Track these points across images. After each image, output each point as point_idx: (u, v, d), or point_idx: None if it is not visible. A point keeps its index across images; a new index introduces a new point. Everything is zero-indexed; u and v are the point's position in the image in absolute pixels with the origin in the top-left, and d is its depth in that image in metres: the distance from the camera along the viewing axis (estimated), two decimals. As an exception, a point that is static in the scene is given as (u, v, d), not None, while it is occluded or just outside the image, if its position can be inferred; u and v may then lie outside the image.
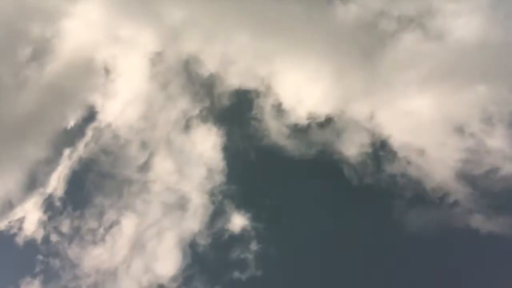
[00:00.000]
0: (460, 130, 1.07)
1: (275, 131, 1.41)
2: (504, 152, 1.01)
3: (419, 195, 1.05)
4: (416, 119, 1.18)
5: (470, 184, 0.98)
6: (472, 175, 0.98)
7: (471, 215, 0.93)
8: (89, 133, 1.75)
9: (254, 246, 1.05)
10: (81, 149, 1.75)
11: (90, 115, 1.65)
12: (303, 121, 1.34)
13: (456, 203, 0.94)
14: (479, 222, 0.93)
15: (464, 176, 1.00)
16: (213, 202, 1.42)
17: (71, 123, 1.80)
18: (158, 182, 1.54)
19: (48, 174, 2.08)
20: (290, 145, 1.31)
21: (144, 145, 1.59)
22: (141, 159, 1.41)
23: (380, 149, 1.10)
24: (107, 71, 1.75)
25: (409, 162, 1.03)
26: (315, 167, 1.29)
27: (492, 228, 0.91)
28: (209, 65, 1.70)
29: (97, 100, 1.83)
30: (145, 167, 1.53)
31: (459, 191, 0.97)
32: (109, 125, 1.59)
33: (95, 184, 1.49)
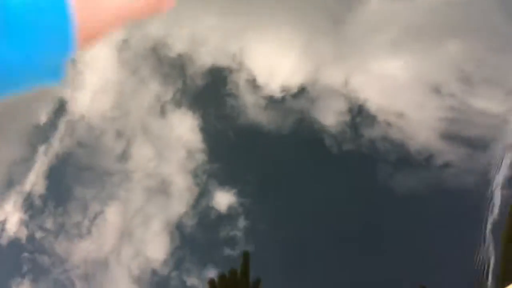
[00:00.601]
0: (437, 90, 1.03)
1: (251, 106, 1.39)
2: (492, 112, 0.98)
3: (404, 158, 1.01)
4: (392, 81, 1.14)
5: (461, 144, 0.95)
6: (461, 135, 0.95)
7: (465, 175, 0.91)
8: (62, 127, 1.70)
9: (242, 222, 1.02)
10: (56, 144, 1.71)
11: (61, 109, 1.59)
12: (277, 93, 1.31)
13: (447, 164, 0.91)
14: (473, 181, 0.90)
15: (452, 137, 0.96)
16: (196, 183, 1.40)
17: (42, 118, 1.75)
18: (138, 169, 1.52)
19: (25, 172, 2.04)
20: (267, 119, 1.28)
21: (120, 134, 1.55)
22: (119, 148, 1.36)
23: (358, 115, 1.06)
24: (73, 61, 1.69)
25: (389, 125, 0.99)
26: (294, 138, 1.26)
27: (488, 188, 0.90)
28: (177, 47, 1.65)
29: (66, 92, 1.78)
30: (124, 156, 1.50)
31: (450, 152, 0.94)
32: (82, 117, 1.53)
33: (75, 178, 1.46)
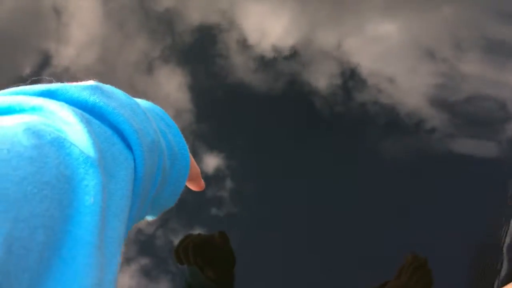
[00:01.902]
0: (430, 55, 1.01)
1: (241, 67, 1.36)
2: (481, 78, 0.96)
3: (393, 122, 1.00)
4: (384, 45, 1.12)
5: (447, 110, 0.94)
6: (449, 101, 0.94)
7: (451, 141, 0.90)
8: (46, 81, 1.68)
9: (229, 184, 1.01)
10: None
11: (45, 61, 1.55)
12: (268, 54, 1.28)
13: (433, 129, 0.91)
14: (459, 147, 0.90)
15: (440, 102, 0.95)
16: None
17: (26, 70, 1.72)
18: None
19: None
20: (257, 80, 1.26)
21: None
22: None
23: (350, 78, 1.04)
24: (57, 13, 1.62)
25: (379, 90, 0.98)
26: (284, 100, 1.24)
27: (473, 152, 0.89)
28: (165, 1, 1.60)
29: (50, 45, 1.73)
30: None
31: (436, 118, 0.93)
32: (66, 70, 1.49)
33: None
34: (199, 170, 0.42)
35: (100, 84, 0.28)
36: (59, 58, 1.12)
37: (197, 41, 0.97)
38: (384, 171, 0.73)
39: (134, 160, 0.25)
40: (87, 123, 0.23)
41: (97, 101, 0.25)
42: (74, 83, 0.26)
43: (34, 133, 0.20)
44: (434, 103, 0.76)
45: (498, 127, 0.74)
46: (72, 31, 1.13)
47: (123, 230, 0.23)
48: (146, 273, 0.76)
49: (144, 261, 0.78)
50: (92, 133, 0.22)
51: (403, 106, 0.76)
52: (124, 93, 0.30)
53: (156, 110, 0.34)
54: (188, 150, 0.37)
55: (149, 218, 0.35)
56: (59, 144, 0.20)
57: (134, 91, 0.99)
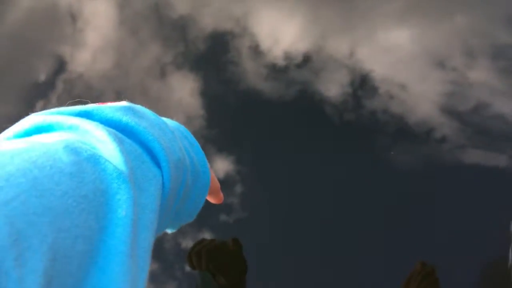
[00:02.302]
0: (441, 64, 1.00)
1: (253, 73, 1.36)
2: (489, 87, 0.95)
3: (403, 130, 0.99)
4: (396, 53, 1.11)
5: (457, 119, 0.93)
6: (458, 110, 0.92)
7: (461, 151, 0.89)
8: (61, 85, 1.69)
9: (239, 189, 1.01)
10: (54, 101, 1.70)
11: (60, 67, 1.56)
12: (280, 61, 1.28)
13: (443, 138, 0.90)
14: (469, 157, 0.88)
15: (450, 111, 0.94)
16: None
17: (41, 76, 1.73)
18: None
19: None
20: (268, 87, 1.26)
21: (118, 94, 1.54)
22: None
23: (361, 86, 1.03)
24: (73, 18, 1.64)
25: (390, 97, 0.97)
26: (295, 107, 1.24)
27: (484, 163, 0.87)
28: (180, 8, 1.61)
29: (65, 50, 1.75)
30: None
31: (446, 126, 0.92)
32: (80, 76, 1.51)
33: None
34: (219, 184, 0.45)
35: (132, 105, 0.30)
36: (74, 63, 1.14)
37: (209, 48, 0.98)
38: (393, 179, 0.73)
39: (162, 176, 0.27)
40: (120, 142, 0.24)
41: (129, 121, 0.27)
42: (109, 104, 0.29)
43: (73, 150, 0.22)
44: (445, 112, 0.76)
45: (509, 137, 0.74)
46: (87, 37, 1.15)
47: (152, 241, 0.25)
48: (153, 278, 0.76)
49: (152, 265, 0.78)
50: (124, 151, 0.24)
51: (414, 114, 0.76)
52: (154, 113, 0.32)
53: (180, 129, 0.36)
54: (209, 166, 0.40)
55: (169, 231, 0.37)
56: (95, 160, 0.22)
57: (147, 96, 1.00)
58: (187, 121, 0.87)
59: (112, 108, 0.27)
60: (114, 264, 0.20)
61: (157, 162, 0.27)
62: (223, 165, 0.81)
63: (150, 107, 0.94)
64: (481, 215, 0.70)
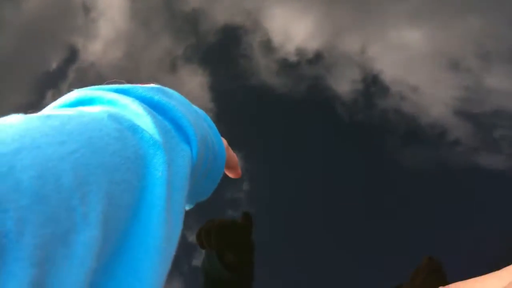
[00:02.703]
0: (455, 65, 0.98)
1: (264, 69, 1.35)
2: (505, 91, 0.92)
3: (414, 131, 0.97)
4: (409, 53, 1.09)
5: (471, 123, 0.91)
6: (473, 113, 0.90)
7: (474, 154, 0.87)
8: (72, 74, 1.68)
9: (246, 185, 1.00)
10: (64, 91, 1.71)
11: (72, 56, 1.56)
12: (292, 57, 1.26)
13: (456, 141, 0.88)
14: (482, 161, 0.86)
15: (464, 114, 0.92)
16: None
17: (53, 65, 1.73)
18: None
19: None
20: (279, 83, 1.25)
21: (129, 83, 1.55)
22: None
23: (372, 85, 1.02)
24: (86, 9, 1.64)
25: (402, 98, 0.95)
26: (305, 105, 1.23)
27: (496, 167, 0.85)
28: (192, 1, 1.59)
29: (78, 40, 1.74)
30: None
31: (459, 129, 0.90)
32: (92, 66, 1.51)
33: None
34: (237, 159, 0.49)
35: (162, 87, 0.33)
36: (86, 54, 1.14)
37: (221, 42, 0.98)
38: (403, 180, 0.73)
39: (191, 150, 0.30)
40: (153, 116, 0.27)
41: (161, 99, 0.30)
42: (141, 85, 0.32)
43: (116, 119, 0.25)
44: (457, 114, 0.75)
45: None
46: (100, 28, 1.15)
47: (183, 204, 0.27)
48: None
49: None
50: (157, 123, 0.27)
51: (425, 115, 0.76)
52: (180, 94, 0.35)
53: (200, 112, 0.39)
54: (225, 143, 0.43)
55: (186, 207, 0.41)
56: (134, 129, 0.25)
57: (157, 89, 1.00)
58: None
59: (144, 88, 0.30)
60: (153, 217, 0.23)
61: (186, 138, 0.30)
62: (231, 160, 0.81)
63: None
64: (493, 218, 0.69)
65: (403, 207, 0.75)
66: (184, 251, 0.77)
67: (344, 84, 0.87)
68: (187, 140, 0.30)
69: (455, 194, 0.75)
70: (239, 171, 0.54)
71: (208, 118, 0.41)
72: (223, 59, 0.95)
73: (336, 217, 0.75)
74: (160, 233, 0.23)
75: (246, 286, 0.71)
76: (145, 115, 0.26)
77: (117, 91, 0.29)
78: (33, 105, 1.06)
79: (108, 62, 1.03)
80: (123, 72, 1.02)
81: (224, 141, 0.45)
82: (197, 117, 0.34)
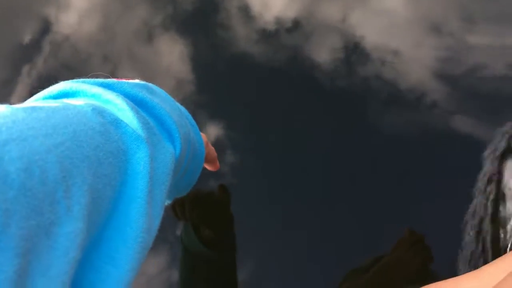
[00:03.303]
0: (437, 29, 0.97)
1: (243, 38, 1.31)
2: (487, 50, 0.91)
3: (394, 96, 0.96)
4: (390, 18, 1.07)
5: (450, 84, 0.90)
6: (452, 74, 0.89)
7: (450, 117, 0.86)
8: (47, 48, 1.62)
9: (229, 155, 0.99)
10: (40, 65, 1.65)
11: (46, 29, 1.50)
12: (271, 26, 1.23)
13: (434, 104, 0.87)
14: (459, 124, 0.86)
15: (443, 76, 0.91)
16: None
17: (26, 38, 1.67)
18: None
19: (8, 95, 1.97)
20: (259, 52, 1.22)
21: (106, 58, 1.50)
22: (105, 74, 1.32)
23: (353, 52, 1.00)
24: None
25: (383, 63, 0.94)
26: (286, 73, 1.21)
27: (472, 131, 0.85)
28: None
29: (50, 12, 1.67)
30: None
31: (437, 91, 0.89)
32: (66, 38, 1.45)
33: None
34: (216, 154, 0.53)
35: (147, 83, 0.34)
36: (60, 25, 1.11)
37: (198, 11, 0.96)
38: (385, 146, 0.73)
39: (174, 148, 0.31)
40: (136, 111, 0.28)
41: (145, 96, 0.31)
42: (125, 80, 0.33)
43: (99, 113, 0.25)
44: (438, 77, 0.75)
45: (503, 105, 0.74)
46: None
47: (164, 198, 0.28)
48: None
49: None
50: (140, 119, 0.28)
51: (406, 80, 0.76)
52: (164, 91, 0.36)
53: (182, 109, 0.40)
54: (205, 139, 0.44)
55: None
56: (117, 124, 0.26)
57: (135, 60, 0.98)
58: (177, 86, 0.86)
59: (129, 84, 0.31)
60: (133, 209, 0.24)
61: (169, 136, 0.31)
62: (214, 131, 0.80)
63: (138, 71, 0.92)
64: (470, 182, 0.70)
65: (385, 177, 0.75)
66: (169, 221, 0.77)
67: (325, 52, 0.86)
68: (171, 138, 0.31)
69: (438, 161, 0.76)
70: (217, 164, 0.57)
71: (190, 116, 0.42)
72: (202, 29, 0.93)
73: (317, 187, 0.76)
74: (139, 224, 0.24)
75: (226, 262, 0.71)
76: (128, 110, 0.27)
77: (102, 85, 0.30)
78: (9, 81, 1.03)
79: (83, 34, 1.01)
80: (99, 45, 0.99)
81: (204, 137, 0.46)
82: (180, 115, 0.36)
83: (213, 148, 0.54)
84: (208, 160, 0.50)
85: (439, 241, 0.69)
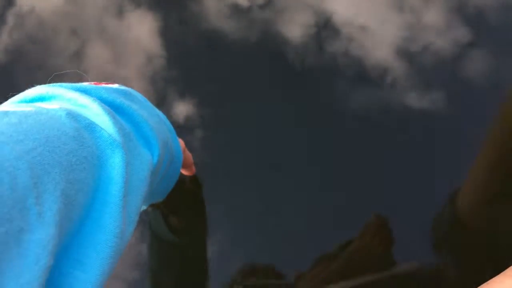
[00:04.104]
0: (400, 5, 0.98)
1: (214, 13, 1.28)
2: (437, 27, 0.92)
3: (360, 73, 0.96)
4: None
5: (407, 61, 0.91)
6: (410, 52, 0.90)
7: (406, 93, 0.87)
8: (11, 20, 1.54)
9: (199, 132, 0.97)
10: (5, 38, 1.57)
11: (9, 0, 1.42)
12: (243, 1, 1.20)
13: (394, 81, 0.88)
14: (413, 100, 0.87)
15: (402, 54, 0.92)
16: (155, 90, 1.35)
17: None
18: (94, 71, 1.43)
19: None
20: (230, 28, 1.19)
21: (74, 32, 1.43)
22: (73, 48, 1.26)
23: (324, 28, 0.99)
24: None
25: (351, 40, 0.93)
26: (257, 50, 1.19)
27: (425, 106, 0.86)
28: None
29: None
30: (78, 56, 1.41)
31: (397, 69, 0.90)
32: (32, 10, 1.38)
33: (25, 77, 1.37)
34: (192, 160, 0.55)
35: (125, 89, 0.34)
36: (24, -3, 1.07)
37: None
38: (353, 124, 0.75)
39: (152, 155, 0.31)
40: (112, 116, 0.28)
41: (122, 103, 0.31)
42: (104, 84, 0.33)
43: (73, 117, 0.25)
44: (398, 54, 0.77)
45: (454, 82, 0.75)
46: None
47: (140, 205, 0.28)
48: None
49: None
50: (116, 124, 0.27)
51: (371, 57, 0.77)
52: (143, 96, 0.36)
53: (161, 115, 0.40)
54: (182, 145, 0.45)
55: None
56: (92, 128, 0.26)
57: (104, 35, 0.96)
58: (147, 62, 0.85)
59: (107, 89, 0.31)
60: (106, 214, 0.24)
61: (146, 143, 0.31)
62: (184, 109, 0.80)
63: (108, 45, 0.91)
64: (428, 162, 0.72)
65: (354, 157, 0.76)
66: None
67: (296, 29, 0.86)
68: (148, 145, 0.31)
69: (404, 140, 0.78)
70: (194, 169, 0.58)
71: (168, 122, 0.42)
72: (172, 4, 0.92)
73: (288, 164, 0.76)
74: (110, 228, 0.24)
75: (194, 250, 0.70)
76: (104, 115, 0.27)
77: (78, 90, 0.30)
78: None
79: (50, 6, 0.98)
80: (66, 18, 0.96)
81: (181, 142, 0.46)
82: (158, 121, 0.36)
83: (190, 154, 0.55)
84: (185, 166, 0.51)
85: (404, 225, 0.71)
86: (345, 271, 0.66)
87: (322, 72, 0.82)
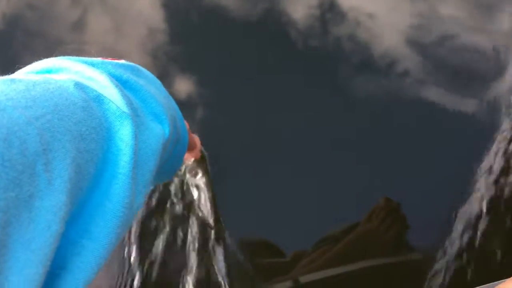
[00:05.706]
0: None
1: None
2: (457, 20, 0.89)
3: (366, 60, 0.93)
4: None
5: (421, 53, 0.88)
6: (423, 43, 0.87)
7: (421, 86, 0.85)
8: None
9: (200, 110, 0.96)
10: (3, 3, 1.52)
11: None
12: None
13: (406, 72, 0.86)
14: (430, 93, 0.85)
15: (415, 44, 0.89)
16: (155, 65, 1.32)
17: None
18: (94, 41, 1.40)
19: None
20: (234, 5, 1.15)
21: (76, 2, 1.39)
22: (73, 17, 1.22)
23: (329, 10, 0.97)
24: None
25: (358, 24, 0.91)
26: (260, 29, 1.15)
27: (443, 101, 0.84)
28: None
29: None
30: (78, 25, 1.37)
31: (409, 60, 0.87)
32: None
33: (24, 44, 1.34)
34: (198, 143, 0.54)
35: (132, 64, 0.34)
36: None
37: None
38: (354, 109, 0.74)
39: (163, 129, 0.31)
40: (121, 89, 0.27)
41: (129, 78, 0.30)
42: (110, 59, 0.32)
43: (82, 89, 0.25)
44: (409, 44, 0.76)
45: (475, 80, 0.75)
46: None
47: (150, 177, 0.28)
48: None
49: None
50: (125, 96, 0.27)
51: (379, 44, 0.76)
52: (150, 73, 0.36)
53: (167, 93, 0.40)
54: (187, 127, 0.44)
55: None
56: (100, 100, 0.25)
57: (106, 6, 0.94)
58: (149, 35, 0.84)
59: (114, 64, 0.31)
60: (114, 185, 0.24)
61: (155, 118, 0.31)
62: (185, 86, 0.79)
63: (109, 16, 0.88)
64: (438, 152, 0.71)
65: (354, 141, 0.76)
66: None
67: (300, 9, 0.85)
68: (158, 119, 0.31)
69: (404, 128, 0.77)
70: (199, 153, 0.58)
71: (174, 102, 0.42)
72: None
73: (289, 147, 0.76)
74: (119, 198, 0.24)
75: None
76: (112, 87, 0.26)
77: (85, 63, 0.29)
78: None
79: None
80: (67, -15, 0.94)
81: (186, 124, 0.46)
82: (166, 97, 0.35)
83: (195, 136, 0.54)
84: (190, 148, 0.51)
85: (414, 212, 0.70)
86: (347, 256, 0.66)
87: (326, 55, 0.81)
